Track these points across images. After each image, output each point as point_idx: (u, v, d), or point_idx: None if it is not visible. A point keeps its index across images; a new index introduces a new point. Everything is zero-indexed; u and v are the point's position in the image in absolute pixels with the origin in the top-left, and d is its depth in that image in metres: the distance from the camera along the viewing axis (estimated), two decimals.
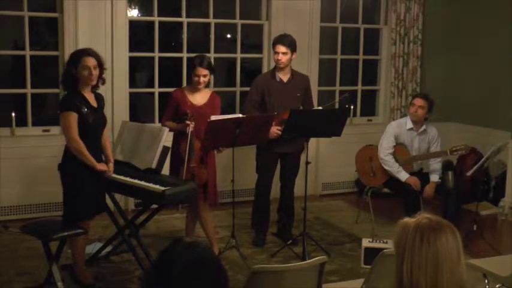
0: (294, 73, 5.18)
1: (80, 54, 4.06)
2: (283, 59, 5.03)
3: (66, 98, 4.07)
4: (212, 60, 6.22)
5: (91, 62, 4.02)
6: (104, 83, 4.21)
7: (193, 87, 4.73)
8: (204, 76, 4.65)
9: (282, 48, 5.02)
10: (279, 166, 5.31)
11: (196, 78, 4.66)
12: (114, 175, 4.29)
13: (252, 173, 5.30)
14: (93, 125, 4.07)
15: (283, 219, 5.38)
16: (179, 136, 4.69)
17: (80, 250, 4.28)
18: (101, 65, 4.10)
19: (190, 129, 4.50)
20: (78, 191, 4.06)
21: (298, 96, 5.16)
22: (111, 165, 4.25)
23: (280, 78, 5.13)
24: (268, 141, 4.93)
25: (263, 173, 5.24)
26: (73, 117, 3.97)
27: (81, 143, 3.99)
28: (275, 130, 4.91)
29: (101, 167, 4.12)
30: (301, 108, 5.17)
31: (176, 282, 1.49)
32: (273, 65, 5.32)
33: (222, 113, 4.85)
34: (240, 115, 4.72)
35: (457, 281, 1.79)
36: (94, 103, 4.13)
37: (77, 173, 4.06)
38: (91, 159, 4.04)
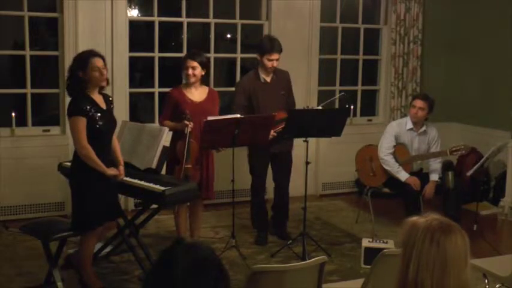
0: (275, 71, 5.18)
1: (86, 56, 3.95)
2: (276, 64, 5.07)
3: (74, 102, 3.93)
4: (212, 60, 6.29)
5: (99, 62, 3.94)
6: (108, 83, 4.11)
7: (188, 83, 4.72)
8: (193, 68, 4.63)
9: (277, 56, 5.03)
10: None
11: (185, 71, 4.65)
12: None
13: None
14: (102, 128, 3.94)
15: (278, 217, 5.42)
16: (176, 136, 4.69)
17: (89, 252, 4.18)
18: (105, 65, 4.02)
19: (188, 130, 4.49)
20: (89, 197, 3.96)
21: (283, 94, 5.18)
22: (122, 168, 4.13)
23: (264, 79, 5.13)
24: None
25: (258, 174, 5.26)
26: (82, 122, 3.85)
27: (90, 149, 3.86)
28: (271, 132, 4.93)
29: (112, 171, 3.99)
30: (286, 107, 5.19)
31: (177, 282, 1.49)
32: None
33: (222, 113, 4.85)
34: (238, 115, 4.71)
35: (462, 284, 1.79)
36: (103, 105, 4.01)
37: (87, 178, 3.95)
38: (101, 165, 3.91)
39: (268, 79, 5.15)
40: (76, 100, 3.93)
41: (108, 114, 4.05)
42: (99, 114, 3.93)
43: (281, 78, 5.20)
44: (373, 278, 3.04)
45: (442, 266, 1.78)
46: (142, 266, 4.41)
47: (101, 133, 3.96)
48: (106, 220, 4.14)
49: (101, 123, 3.93)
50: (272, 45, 5.02)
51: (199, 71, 4.67)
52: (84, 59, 3.94)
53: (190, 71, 4.64)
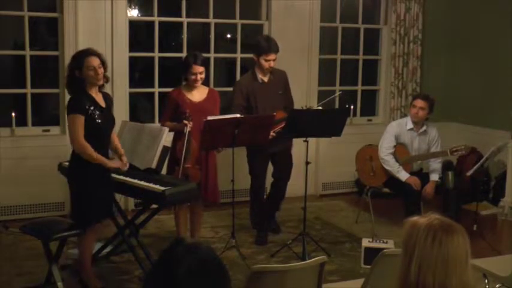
0: (272, 71, 5.19)
1: (82, 56, 3.97)
2: (274, 64, 5.07)
3: (73, 100, 3.96)
4: (212, 60, 6.30)
5: (95, 61, 3.94)
6: (107, 81, 4.13)
7: (190, 85, 4.73)
8: (201, 73, 4.66)
9: (274, 56, 5.04)
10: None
11: (193, 77, 4.66)
12: (114, 175, 4.26)
13: None
14: (101, 126, 3.97)
15: (270, 208, 5.45)
16: (177, 136, 4.70)
17: (89, 252, 4.20)
18: (103, 63, 4.02)
19: (187, 129, 4.50)
20: (87, 195, 3.98)
21: (280, 94, 5.20)
22: (125, 158, 4.17)
23: (262, 79, 5.14)
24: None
25: (258, 175, 5.27)
26: (79, 120, 3.87)
27: (87, 145, 3.89)
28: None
29: (114, 164, 4.04)
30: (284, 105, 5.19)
31: (178, 283, 1.48)
32: None
33: (222, 113, 4.85)
34: (238, 115, 4.71)
35: (464, 284, 1.79)
36: (102, 103, 4.04)
37: (85, 176, 3.98)
38: (100, 158, 3.94)
39: (266, 79, 5.15)
40: (75, 98, 3.96)
41: (107, 113, 4.08)
42: (98, 113, 3.96)
43: (278, 78, 5.21)
44: (373, 278, 3.04)
45: (444, 266, 1.77)
46: (142, 266, 4.41)
47: (99, 131, 3.99)
48: (104, 217, 4.18)
49: (99, 121, 3.96)
50: (269, 46, 5.03)
51: (204, 74, 4.71)
52: (80, 58, 3.97)
53: (198, 77, 4.66)
